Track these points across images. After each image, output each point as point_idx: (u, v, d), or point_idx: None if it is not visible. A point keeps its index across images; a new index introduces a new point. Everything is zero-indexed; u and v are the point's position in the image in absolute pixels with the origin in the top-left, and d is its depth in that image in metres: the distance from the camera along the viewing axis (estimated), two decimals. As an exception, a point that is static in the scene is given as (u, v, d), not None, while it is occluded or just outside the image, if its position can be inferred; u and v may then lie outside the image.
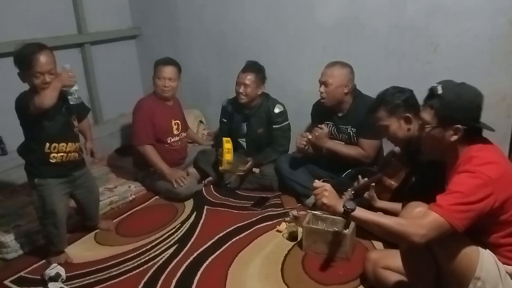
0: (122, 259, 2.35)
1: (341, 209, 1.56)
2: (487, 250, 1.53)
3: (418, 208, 1.55)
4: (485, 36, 2.69)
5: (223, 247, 2.40)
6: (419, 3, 2.84)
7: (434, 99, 1.57)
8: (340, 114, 2.78)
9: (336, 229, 2.24)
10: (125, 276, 2.20)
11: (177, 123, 3.16)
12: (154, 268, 2.25)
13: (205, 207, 2.92)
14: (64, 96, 2.19)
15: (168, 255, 2.37)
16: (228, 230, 2.58)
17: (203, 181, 3.25)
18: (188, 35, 3.87)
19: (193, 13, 3.77)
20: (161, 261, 2.31)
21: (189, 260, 2.30)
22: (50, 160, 2.23)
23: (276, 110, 3.10)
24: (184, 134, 3.26)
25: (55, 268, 2.17)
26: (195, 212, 2.85)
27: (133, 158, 3.27)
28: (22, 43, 2.10)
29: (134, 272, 2.23)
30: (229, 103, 3.24)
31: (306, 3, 3.23)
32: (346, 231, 2.18)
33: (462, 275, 1.51)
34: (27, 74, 2.07)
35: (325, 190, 1.63)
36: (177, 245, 2.47)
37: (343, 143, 2.78)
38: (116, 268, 2.27)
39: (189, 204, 2.97)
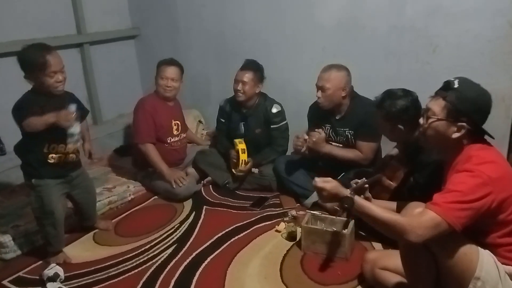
0: (121, 259, 2.35)
1: (346, 193, 1.60)
2: (486, 250, 1.53)
3: (418, 208, 1.54)
4: (485, 37, 2.70)
5: (222, 247, 2.40)
6: (418, 3, 2.84)
7: (449, 91, 1.55)
8: (337, 117, 2.77)
9: (335, 229, 2.24)
10: (123, 276, 2.20)
11: (177, 123, 3.17)
12: (152, 268, 2.24)
13: (204, 207, 2.92)
14: (66, 100, 2.21)
15: (167, 255, 2.36)
16: (227, 230, 2.57)
17: (202, 181, 3.25)
18: (187, 35, 3.87)
19: (193, 13, 3.78)
20: (160, 261, 2.31)
21: (188, 260, 2.30)
22: (48, 161, 2.22)
23: (274, 110, 3.10)
24: (183, 135, 3.26)
25: (54, 268, 2.17)
26: (194, 212, 2.85)
27: (132, 157, 3.27)
28: (24, 45, 2.10)
29: (132, 272, 2.23)
30: (227, 102, 3.25)
31: (305, 3, 3.23)
32: (345, 231, 2.19)
33: (462, 275, 1.50)
34: (38, 75, 2.07)
35: (325, 182, 1.66)
36: (176, 245, 2.46)
37: (341, 145, 2.77)
38: (115, 268, 2.26)
39: (188, 204, 2.97)
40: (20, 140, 2.25)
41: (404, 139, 2.26)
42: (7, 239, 2.38)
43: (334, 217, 2.34)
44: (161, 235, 2.58)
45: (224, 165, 3.23)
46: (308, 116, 2.97)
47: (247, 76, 3.00)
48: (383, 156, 2.74)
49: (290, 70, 3.39)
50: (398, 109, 2.12)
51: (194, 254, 2.35)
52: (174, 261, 2.30)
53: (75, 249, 2.47)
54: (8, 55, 3.01)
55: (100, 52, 3.86)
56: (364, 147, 2.66)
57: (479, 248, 1.52)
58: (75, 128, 2.12)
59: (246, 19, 3.52)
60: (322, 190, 1.66)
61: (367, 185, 2.23)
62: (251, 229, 2.58)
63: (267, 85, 3.14)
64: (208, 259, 2.30)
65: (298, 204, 2.85)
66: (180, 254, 2.36)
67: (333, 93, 2.63)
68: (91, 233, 2.63)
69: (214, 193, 3.13)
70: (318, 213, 2.45)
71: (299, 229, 2.40)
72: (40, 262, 2.34)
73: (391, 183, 2.26)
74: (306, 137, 2.69)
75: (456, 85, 1.54)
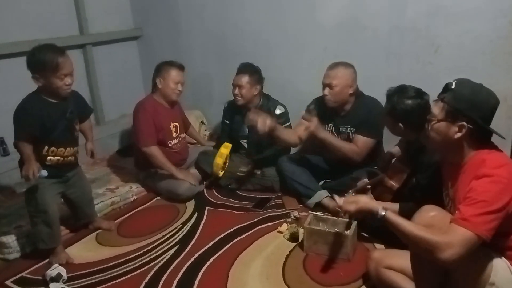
0: (123, 259, 2.35)
1: (379, 206, 1.57)
2: (500, 255, 1.52)
3: (432, 212, 1.54)
4: (486, 37, 2.69)
5: (224, 248, 2.41)
6: (419, 4, 2.84)
7: (447, 92, 1.55)
8: (341, 114, 2.77)
9: (337, 230, 2.24)
10: (126, 277, 2.20)
11: (176, 125, 3.15)
12: (155, 269, 2.25)
13: (206, 208, 2.92)
14: (70, 100, 2.23)
15: (169, 255, 2.37)
16: (229, 231, 2.58)
17: (205, 182, 3.25)
18: (189, 36, 3.88)
19: (194, 14, 3.78)
20: (162, 262, 2.31)
21: (190, 261, 2.30)
22: (46, 162, 2.23)
23: (277, 112, 3.10)
24: (183, 136, 3.26)
25: (57, 269, 2.18)
26: (196, 213, 2.85)
27: (134, 158, 3.27)
28: (36, 46, 2.11)
29: (135, 272, 2.23)
30: (230, 104, 3.26)
31: (306, 4, 3.23)
32: (348, 232, 2.19)
33: (477, 280, 1.49)
34: (48, 76, 2.08)
35: (354, 202, 1.66)
36: (178, 245, 2.47)
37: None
38: (118, 269, 2.27)
39: (191, 205, 2.97)
40: None
41: (403, 137, 2.26)
42: (10, 239, 2.39)
43: (336, 218, 2.34)
44: (163, 236, 2.58)
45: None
46: (309, 106, 2.91)
47: (243, 80, 3.01)
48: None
49: (291, 70, 3.40)
50: (403, 108, 2.11)
51: (196, 255, 2.36)
52: (176, 261, 2.31)
53: (78, 250, 2.48)
54: (10, 56, 3.02)
55: (103, 53, 3.87)
56: (360, 141, 2.65)
57: (492, 252, 1.51)
58: (27, 185, 2.15)
59: (247, 20, 3.52)
60: (349, 209, 1.66)
61: (369, 186, 2.24)
62: (254, 230, 2.58)
63: (268, 85, 3.14)
64: (211, 259, 2.31)
65: (301, 205, 2.85)
66: (183, 254, 2.37)
67: (340, 90, 2.63)
68: (94, 234, 2.64)
69: (217, 194, 3.13)
70: (320, 214, 2.45)
71: (301, 230, 2.41)
72: (43, 262, 2.35)
73: (393, 184, 2.26)
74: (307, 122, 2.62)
75: (453, 86, 1.55)
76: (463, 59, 2.76)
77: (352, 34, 3.11)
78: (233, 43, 3.65)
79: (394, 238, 2.12)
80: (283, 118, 3.11)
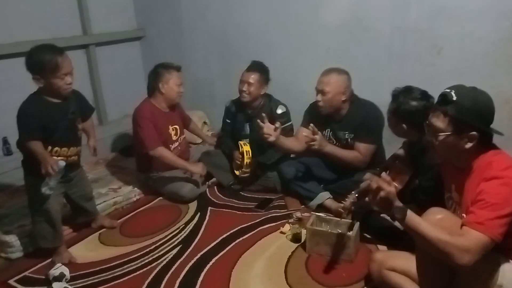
0: (126, 259, 2.36)
1: (400, 204, 1.49)
2: (506, 257, 1.52)
3: (439, 215, 1.54)
4: (488, 39, 2.70)
5: (227, 248, 2.41)
6: (422, 5, 2.84)
7: (448, 105, 1.52)
8: (337, 120, 2.75)
9: (340, 231, 2.24)
10: (129, 277, 2.21)
11: (175, 128, 3.12)
12: (157, 269, 2.26)
13: (209, 208, 2.92)
14: (72, 100, 2.23)
15: (171, 255, 2.38)
16: (231, 231, 2.58)
17: (207, 182, 3.25)
18: (192, 37, 3.89)
19: (197, 15, 3.79)
20: (164, 262, 2.32)
21: (192, 261, 2.31)
22: None
23: (279, 111, 3.10)
24: (183, 137, 3.23)
25: (60, 268, 2.19)
26: (198, 213, 2.86)
27: (136, 161, 3.24)
28: (34, 46, 2.11)
29: (137, 272, 2.24)
30: (232, 103, 3.26)
31: (309, 5, 3.24)
32: (350, 233, 2.19)
33: (484, 283, 1.50)
34: (48, 76, 2.08)
35: (389, 184, 1.51)
36: (180, 246, 2.47)
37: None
38: (120, 269, 2.28)
39: (193, 205, 2.98)
40: None
41: (406, 138, 2.26)
42: (13, 238, 2.41)
43: (339, 219, 2.34)
44: (166, 236, 2.59)
45: (229, 166, 3.23)
46: (306, 111, 2.92)
47: (253, 77, 3.00)
48: (387, 158, 2.74)
49: (294, 71, 3.40)
50: (407, 109, 2.10)
51: (199, 255, 2.36)
52: (179, 262, 2.31)
53: (81, 249, 2.49)
54: (13, 56, 3.03)
55: (106, 53, 3.89)
56: (362, 148, 2.65)
57: (499, 255, 1.52)
58: (53, 181, 2.15)
59: (250, 20, 3.53)
60: (379, 191, 1.51)
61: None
62: (256, 230, 2.58)
63: (270, 86, 3.14)
64: (213, 260, 2.31)
65: (303, 206, 2.85)
66: (185, 255, 2.38)
67: (332, 97, 2.61)
68: (97, 234, 2.65)
69: (219, 194, 3.14)
70: (323, 215, 2.45)
71: (303, 231, 2.41)
72: (46, 261, 2.36)
73: (396, 185, 2.26)
74: (306, 133, 2.60)
75: (454, 97, 1.51)
76: (465, 61, 2.76)
77: (355, 35, 3.12)
78: (236, 43, 3.66)
79: (396, 239, 2.15)
80: (285, 118, 3.11)
